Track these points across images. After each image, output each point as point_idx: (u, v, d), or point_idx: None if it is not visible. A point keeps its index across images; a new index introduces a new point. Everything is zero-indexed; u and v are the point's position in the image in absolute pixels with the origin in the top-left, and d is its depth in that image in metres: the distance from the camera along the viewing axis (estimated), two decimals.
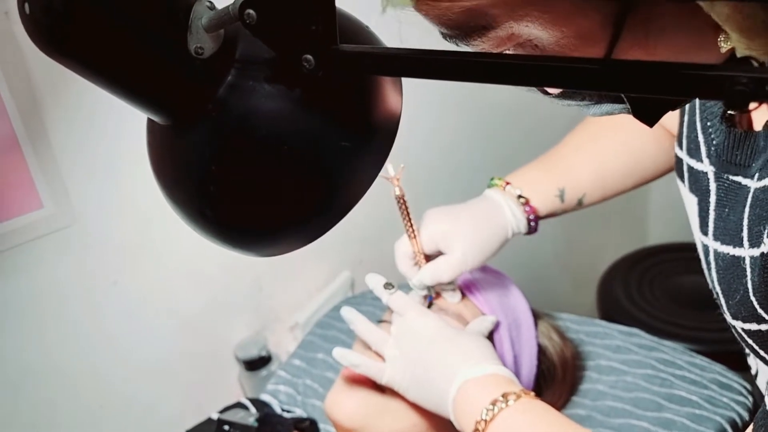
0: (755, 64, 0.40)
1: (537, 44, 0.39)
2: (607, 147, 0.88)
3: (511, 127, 1.45)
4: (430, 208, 0.84)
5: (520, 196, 0.84)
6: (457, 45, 0.41)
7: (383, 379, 0.74)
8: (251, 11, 0.35)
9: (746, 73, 0.28)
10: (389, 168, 0.76)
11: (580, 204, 0.88)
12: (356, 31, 0.42)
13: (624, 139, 0.88)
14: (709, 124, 0.60)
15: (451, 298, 0.82)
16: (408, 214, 0.79)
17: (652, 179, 0.90)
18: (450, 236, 0.80)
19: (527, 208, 0.84)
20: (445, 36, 0.41)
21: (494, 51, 0.41)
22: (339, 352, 0.75)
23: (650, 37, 0.38)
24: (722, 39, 0.39)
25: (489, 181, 0.87)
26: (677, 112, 0.67)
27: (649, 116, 0.42)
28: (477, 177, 0.94)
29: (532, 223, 0.85)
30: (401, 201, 0.78)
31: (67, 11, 0.35)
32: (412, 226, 0.79)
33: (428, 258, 0.81)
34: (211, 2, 0.39)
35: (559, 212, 0.88)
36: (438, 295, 0.83)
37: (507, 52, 0.41)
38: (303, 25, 0.35)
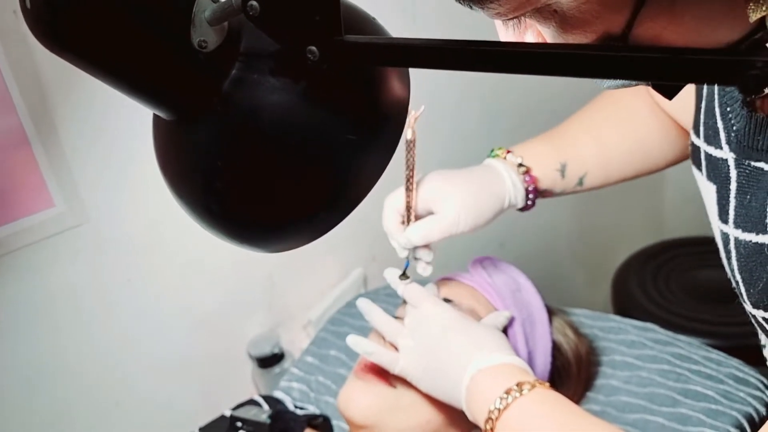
0: None
1: (556, 9, 0.38)
2: (613, 130, 0.87)
3: (514, 107, 1.43)
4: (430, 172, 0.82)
5: (520, 165, 0.83)
6: (471, 8, 0.39)
7: (396, 369, 0.74)
8: (254, 3, 0.35)
9: (761, 57, 0.27)
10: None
11: (581, 183, 0.87)
12: (361, 22, 0.42)
13: (631, 125, 0.87)
14: (729, 109, 0.59)
15: (423, 272, 0.81)
16: (413, 163, 0.76)
17: (656, 170, 0.89)
18: (445, 197, 0.78)
19: (527, 178, 0.83)
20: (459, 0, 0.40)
21: (511, 15, 0.39)
22: (353, 340, 0.75)
23: (677, 3, 0.36)
24: (752, 8, 0.37)
25: (490, 152, 0.86)
26: (693, 100, 0.66)
27: (668, 89, 0.41)
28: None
29: (530, 195, 0.83)
30: (411, 146, 0.75)
31: (68, 5, 0.35)
32: (413, 176, 0.77)
33: (418, 218, 0.79)
34: None
35: (559, 190, 0.86)
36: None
37: (526, 19, 0.40)
38: (306, 16, 0.34)
